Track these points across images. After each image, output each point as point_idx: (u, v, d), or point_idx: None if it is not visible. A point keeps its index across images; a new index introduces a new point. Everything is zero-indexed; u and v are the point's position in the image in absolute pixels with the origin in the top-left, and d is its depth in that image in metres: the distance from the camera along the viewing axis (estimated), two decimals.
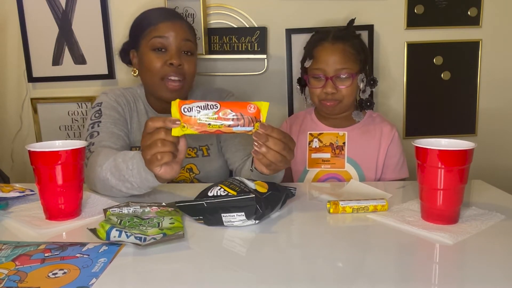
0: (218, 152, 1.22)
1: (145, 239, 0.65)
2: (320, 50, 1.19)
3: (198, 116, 0.74)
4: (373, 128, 1.25)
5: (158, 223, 0.73)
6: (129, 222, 0.73)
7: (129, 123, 1.16)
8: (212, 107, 0.74)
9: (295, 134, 1.29)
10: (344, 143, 1.22)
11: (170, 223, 0.73)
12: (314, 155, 1.23)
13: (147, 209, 0.80)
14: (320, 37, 1.22)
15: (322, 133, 1.24)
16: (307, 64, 1.22)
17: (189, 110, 0.74)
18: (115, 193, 0.91)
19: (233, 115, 0.75)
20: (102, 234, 0.67)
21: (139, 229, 0.70)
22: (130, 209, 0.79)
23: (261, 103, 0.77)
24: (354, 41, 1.21)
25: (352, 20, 1.25)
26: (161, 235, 0.67)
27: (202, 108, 0.74)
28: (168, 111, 1.15)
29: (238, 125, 0.75)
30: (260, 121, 0.77)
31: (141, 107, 1.20)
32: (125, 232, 0.67)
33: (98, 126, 1.07)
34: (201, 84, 1.53)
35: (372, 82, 1.24)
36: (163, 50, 1.10)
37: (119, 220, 0.73)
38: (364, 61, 1.23)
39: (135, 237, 0.66)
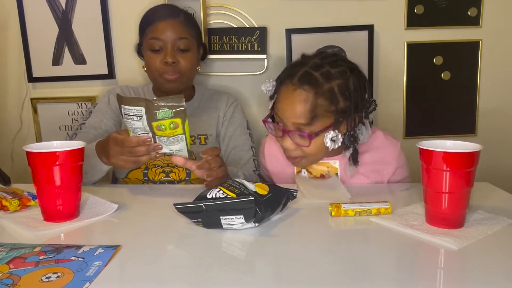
0: (215, 144, 1.24)
1: None
2: (282, 93, 0.93)
3: None
4: (373, 154, 1.00)
5: None
6: None
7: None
8: None
9: (280, 161, 1.08)
10: (336, 174, 1.03)
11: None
12: None
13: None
14: (288, 73, 0.94)
15: None
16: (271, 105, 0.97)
17: None
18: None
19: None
20: None
21: None
22: None
23: None
24: (332, 83, 0.90)
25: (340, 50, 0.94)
26: None
27: None
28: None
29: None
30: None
31: None
32: None
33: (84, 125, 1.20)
34: (201, 84, 1.52)
35: (352, 138, 0.95)
36: (159, 50, 1.16)
37: None
38: (341, 112, 0.91)
39: None
